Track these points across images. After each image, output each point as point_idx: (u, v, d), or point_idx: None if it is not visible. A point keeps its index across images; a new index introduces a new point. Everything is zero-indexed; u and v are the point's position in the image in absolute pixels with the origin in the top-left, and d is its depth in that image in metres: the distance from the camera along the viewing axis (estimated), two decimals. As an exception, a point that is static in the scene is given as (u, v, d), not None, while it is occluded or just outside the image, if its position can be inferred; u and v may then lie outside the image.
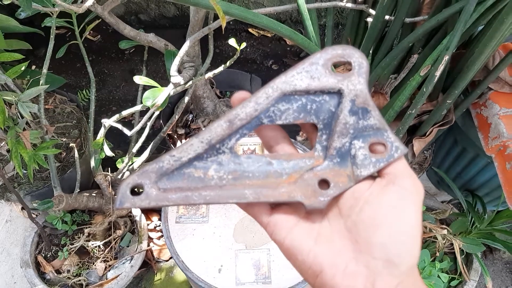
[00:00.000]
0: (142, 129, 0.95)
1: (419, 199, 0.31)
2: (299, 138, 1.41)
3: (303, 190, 0.33)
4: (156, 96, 0.83)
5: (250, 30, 1.81)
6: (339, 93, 0.33)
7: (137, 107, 0.88)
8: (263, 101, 0.34)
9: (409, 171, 0.32)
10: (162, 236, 1.21)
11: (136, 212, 1.09)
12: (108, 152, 0.91)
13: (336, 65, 0.34)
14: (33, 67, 1.33)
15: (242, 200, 0.33)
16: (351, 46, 0.33)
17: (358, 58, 0.33)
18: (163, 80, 0.86)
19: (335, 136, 0.33)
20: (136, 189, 0.34)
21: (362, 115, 0.33)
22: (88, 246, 1.03)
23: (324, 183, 0.33)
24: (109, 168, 1.06)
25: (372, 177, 0.33)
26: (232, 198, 0.33)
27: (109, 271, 1.01)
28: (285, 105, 0.34)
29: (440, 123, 0.89)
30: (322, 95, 0.34)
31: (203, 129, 0.36)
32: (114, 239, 1.05)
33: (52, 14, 0.83)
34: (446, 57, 0.68)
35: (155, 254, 1.18)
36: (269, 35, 1.81)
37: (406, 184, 0.31)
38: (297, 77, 0.33)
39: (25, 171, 0.92)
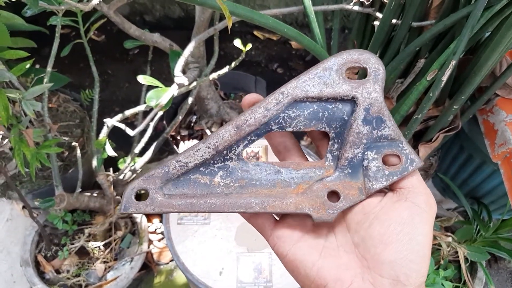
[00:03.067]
0: (145, 129, 0.95)
1: (431, 217, 0.30)
2: (303, 143, 1.40)
3: (311, 201, 0.32)
4: (160, 97, 0.82)
5: (255, 32, 1.81)
6: (352, 101, 0.32)
7: (141, 107, 0.87)
8: (273, 107, 0.33)
9: (423, 187, 0.31)
10: (162, 238, 1.20)
11: (137, 214, 1.09)
12: (110, 152, 0.91)
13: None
14: (37, 65, 1.33)
15: (248, 210, 0.32)
16: (367, 51, 0.32)
17: (374, 64, 0.32)
18: (167, 81, 0.85)
19: (347, 146, 0.32)
20: (141, 193, 0.33)
21: (377, 124, 0.32)
22: (88, 247, 1.03)
23: (333, 195, 0.32)
24: (111, 168, 1.06)
25: (383, 190, 0.32)
26: (238, 208, 0.32)
27: (108, 272, 1.01)
28: (296, 112, 0.33)
29: (446, 129, 0.88)
30: (335, 102, 0.33)
31: (210, 134, 0.36)
32: (115, 240, 1.04)
33: (58, 12, 0.83)
34: (453, 62, 0.67)
35: (155, 256, 1.17)
36: (274, 38, 1.80)
37: (419, 200, 0.30)
38: (309, 83, 0.32)
39: (27, 169, 0.91)
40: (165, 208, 0.32)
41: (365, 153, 0.32)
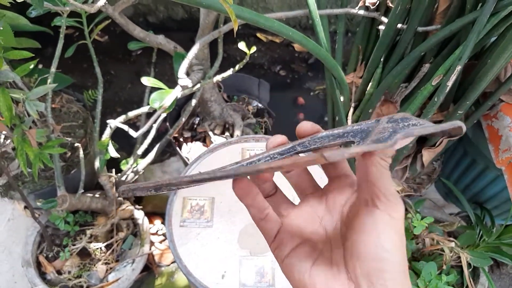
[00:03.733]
0: (148, 131, 0.95)
1: (397, 224, 0.30)
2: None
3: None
4: (163, 98, 0.82)
5: (258, 35, 1.81)
6: (377, 121, 0.33)
7: (144, 109, 0.87)
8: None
9: (396, 196, 0.31)
10: (164, 240, 1.20)
11: (139, 215, 1.08)
12: (113, 153, 0.91)
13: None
14: (41, 66, 1.33)
15: (254, 169, 0.29)
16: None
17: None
18: (170, 83, 0.85)
19: (372, 134, 0.32)
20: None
21: (402, 120, 0.31)
22: (90, 248, 1.02)
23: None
24: (113, 169, 1.06)
25: (364, 200, 0.32)
26: (245, 170, 0.30)
27: (110, 273, 1.00)
28: (322, 135, 0.34)
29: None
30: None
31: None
32: (116, 242, 1.04)
33: (63, 13, 0.83)
34: (459, 67, 0.67)
35: (157, 258, 1.17)
36: (277, 40, 1.80)
37: (391, 211, 0.30)
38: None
39: (29, 170, 0.91)
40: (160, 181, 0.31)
41: (392, 135, 0.30)
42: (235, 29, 0.59)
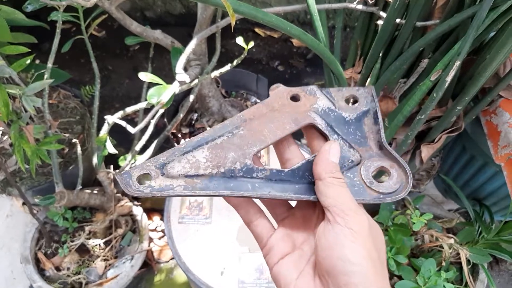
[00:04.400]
0: (146, 127, 0.94)
1: (361, 235, 0.31)
2: (303, 141, 1.40)
3: None
4: (161, 94, 0.82)
5: (256, 30, 1.80)
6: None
7: (142, 105, 0.87)
8: None
9: (355, 206, 0.32)
10: (163, 236, 1.20)
11: (138, 211, 1.08)
12: (111, 149, 0.90)
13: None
14: (37, 61, 1.32)
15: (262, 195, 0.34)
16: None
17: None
18: (167, 78, 0.84)
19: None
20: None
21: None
22: (88, 244, 1.02)
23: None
24: (111, 166, 1.05)
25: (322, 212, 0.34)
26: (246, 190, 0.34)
27: (109, 270, 1.00)
28: None
29: (449, 129, 0.87)
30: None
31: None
32: (115, 238, 1.04)
33: (59, 8, 0.82)
34: (457, 63, 0.67)
35: (156, 254, 1.17)
36: (275, 35, 1.79)
37: (352, 225, 0.31)
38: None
39: (27, 166, 0.91)
40: (165, 192, 0.33)
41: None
42: (233, 24, 0.59)
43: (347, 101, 0.41)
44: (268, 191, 0.34)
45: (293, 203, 0.39)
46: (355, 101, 0.41)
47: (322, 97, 0.40)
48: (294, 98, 0.40)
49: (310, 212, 0.37)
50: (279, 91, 0.40)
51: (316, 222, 0.36)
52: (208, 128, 1.21)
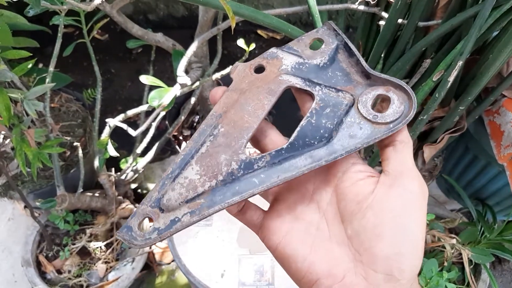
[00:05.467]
0: (147, 129, 0.94)
1: (424, 203, 0.29)
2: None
3: None
4: (162, 97, 0.82)
5: (259, 31, 1.80)
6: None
7: (143, 107, 0.87)
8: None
9: (416, 171, 0.30)
10: (165, 238, 1.20)
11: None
12: (112, 152, 0.90)
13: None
14: (40, 65, 1.33)
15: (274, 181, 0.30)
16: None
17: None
18: (170, 81, 0.85)
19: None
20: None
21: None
22: (89, 247, 1.02)
23: None
24: (113, 168, 1.06)
25: (376, 174, 0.31)
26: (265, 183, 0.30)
27: (110, 272, 1.00)
28: None
29: (452, 130, 0.87)
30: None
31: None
32: (116, 240, 1.04)
33: (61, 12, 0.82)
34: (460, 63, 0.67)
35: (157, 256, 1.17)
36: (278, 37, 1.79)
37: (412, 186, 0.29)
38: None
39: (29, 169, 0.91)
40: (174, 228, 0.30)
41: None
42: (233, 26, 0.59)
43: (312, 47, 0.37)
44: (277, 176, 0.30)
45: None
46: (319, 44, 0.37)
47: (286, 55, 0.36)
48: (259, 70, 0.36)
49: (303, 176, 0.32)
50: (240, 70, 0.36)
51: (314, 186, 0.33)
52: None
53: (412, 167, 0.30)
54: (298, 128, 0.32)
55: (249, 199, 0.32)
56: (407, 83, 0.88)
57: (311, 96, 0.34)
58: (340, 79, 0.34)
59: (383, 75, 0.33)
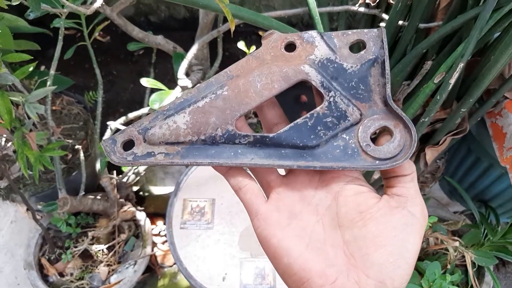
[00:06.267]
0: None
1: (423, 228, 0.31)
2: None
3: None
4: (163, 99, 0.82)
5: (260, 33, 1.80)
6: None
7: (144, 110, 0.87)
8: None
9: (420, 198, 0.31)
10: (166, 241, 1.20)
11: (141, 216, 1.08)
12: (113, 155, 0.91)
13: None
14: (42, 67, 1.33)
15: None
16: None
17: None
18: (171, 83, 0.85)
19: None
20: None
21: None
22: (91, 250, 1.02)
23: None
24: (114, 171, 1.06)
25: (377, 195, 0.33)
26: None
27: (112, 275, 1.00)
28: None
29: (454, 132, 0.86)
30: None
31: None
32: (118, 243, 1.04)
33: (61, 15, 0.83)
34: (461, 65, 0.66)
35: (159, 259, 1.17)
36: (279, 39, 1.79)
37: (415, 210, 0.30)
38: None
39: (30, 172, 0.91)
40: (147, 160, 0.32)
41: None
42: (232, 29, 0.59)
43: (351, 48, 0.35)
44: (251, 157, 0.31)
45: (282, 171, 0.35)
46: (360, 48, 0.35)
47: (322, 45, 0.34)
48: (289, 47, 0.34)
49: (305, 178, 0.33)
50: (273, 39, 0.34)
51: (316, 190, 0.33)
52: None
53: (416, 194, 0.31)
54: (291, 124, 0.32)
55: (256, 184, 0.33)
56: (408, 84, 0.87)
57: (321, 95, 0.34)
58: (360, 93, 0.33)
59: (400, 111, 0.32)
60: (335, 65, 0.34)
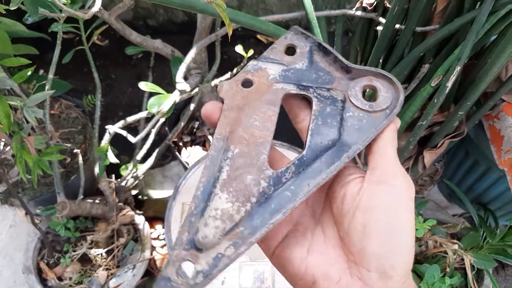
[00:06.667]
0: (147, 136, 0.94)
1: (411, 199, 0.29)
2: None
3: None
4: (161, 103, 0.82)
5: (258, 36, 1.80)
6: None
7: (142, 114, 0.87)
8: None
9: (400, 167, 0.30)
10: (165, 245, 1.20)
11: (140, 220, 1.08)
12: (112, 158, 0.91)
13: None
14: (41, 71, 1.33)
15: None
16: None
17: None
18: (170, 86, 0.85)
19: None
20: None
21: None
22: (90, 254, 1.02)
23: None
24: (113, 175, 1.06)
25: (362, 173, 0.31)
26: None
27: (111, 279, 1.00)
28: None
29: (452, 134, 0.86)
30: None
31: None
32: (117, 247, 1.04)
33: (59, 19, 0.83)
34: (458, 68, 0.66)
35: (158, 263, 1.17)
36: (277, 42, 1.80)
37: (399, 183, 0.29)
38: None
39: (29, 177, 0.91)
40: (220, 264, 0.27)
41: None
42: (230, 33, 0.59)
43: (287, 53, 0.37)
44: (307, 183, 0.29)
45: None
46: (294, 50, 0.37)
47: (269, 65, 0.35)
48: (247, 84, 0.35)
49: None
50: (227, 88, 0.34)
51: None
52: (209, 137, 1.21)
53: (395, 161, 0.30)
54: (309, 132, 0.31)
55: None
56: (405, 88, 0.88)
57: (308, 100, 0.34)
58: (324, 78, 0.35)
59: (362, 67, 0.34)
60: (292, 71, 0.35)
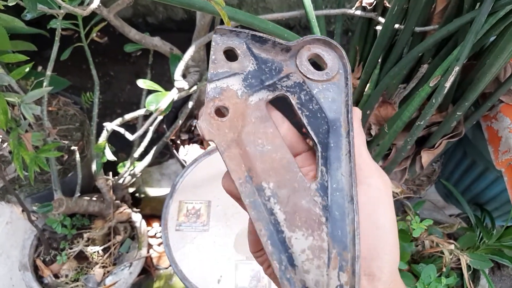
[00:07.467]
0: (145, 133, 0.94)
1: (389, 196, 0.28)
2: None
3: None
4: (159, 101, 0.82)
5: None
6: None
7: (140, 111, 0.87)
8: None
9: (373, 164, 0.29)
10: (162, 243, 1.20)
11: (137, 218, 1.08)
12: (110, 156, 0.90)
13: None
14: (40, 68, 1.33)
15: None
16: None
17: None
18: (169, 84, 0.85)
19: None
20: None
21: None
22: (87, 251, 1.02)
23: None
24: (110, 172, 1.05)
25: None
26: None
27: (107, 277, 1.00)
28: None
29: (450, 135, 0.87)
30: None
31: None
32: (114, 245, 1.03)
33: (58, 16, 0.82)
34: (457, 68, 0.66)
35: (155, 261, 1.17)
36: (276, 41, 1.79)
37: (374, 181, 0.28)
38: None
39: (26, 173, 0.91)
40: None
41: None
42: (229, 31, 0.59)
43: (230, 60, 0.34)
44: (341, 173, 0.29)
45: None
46: (234, 53, 0.35)
47: (227, 81, 0.32)
48: (221, 112, 0.32)
49: None
50: (208, 128, 0.31)
51: None
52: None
53: (368, 159, 0.29)
54: (308, 128, 0.31)
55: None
56: (404, 88, 0.88)
57: (284, 97, 0.33)
58: (275, 68, 0.33)
59: (297, 40, 0.33)
60: (249, 76, 0.33)
